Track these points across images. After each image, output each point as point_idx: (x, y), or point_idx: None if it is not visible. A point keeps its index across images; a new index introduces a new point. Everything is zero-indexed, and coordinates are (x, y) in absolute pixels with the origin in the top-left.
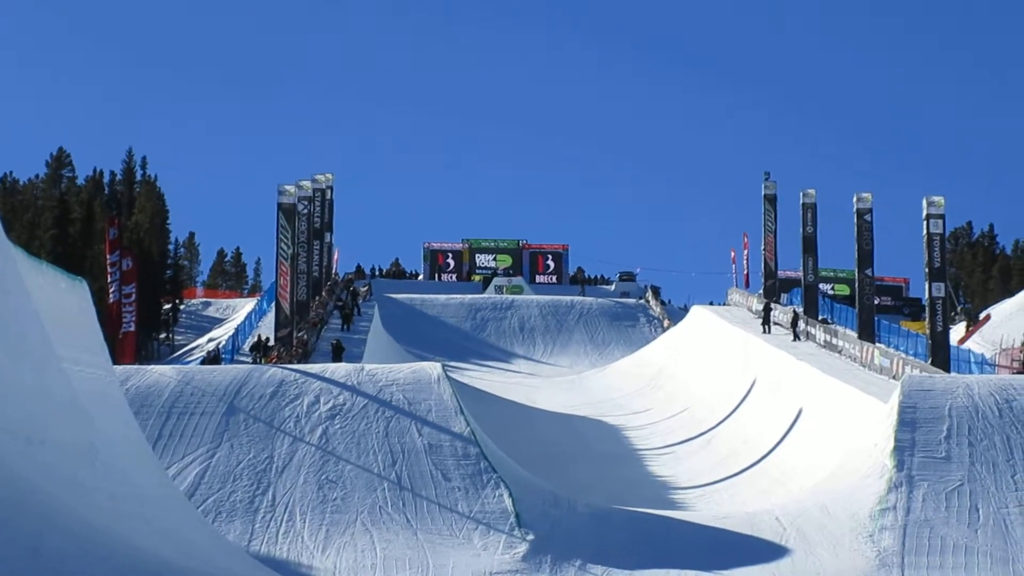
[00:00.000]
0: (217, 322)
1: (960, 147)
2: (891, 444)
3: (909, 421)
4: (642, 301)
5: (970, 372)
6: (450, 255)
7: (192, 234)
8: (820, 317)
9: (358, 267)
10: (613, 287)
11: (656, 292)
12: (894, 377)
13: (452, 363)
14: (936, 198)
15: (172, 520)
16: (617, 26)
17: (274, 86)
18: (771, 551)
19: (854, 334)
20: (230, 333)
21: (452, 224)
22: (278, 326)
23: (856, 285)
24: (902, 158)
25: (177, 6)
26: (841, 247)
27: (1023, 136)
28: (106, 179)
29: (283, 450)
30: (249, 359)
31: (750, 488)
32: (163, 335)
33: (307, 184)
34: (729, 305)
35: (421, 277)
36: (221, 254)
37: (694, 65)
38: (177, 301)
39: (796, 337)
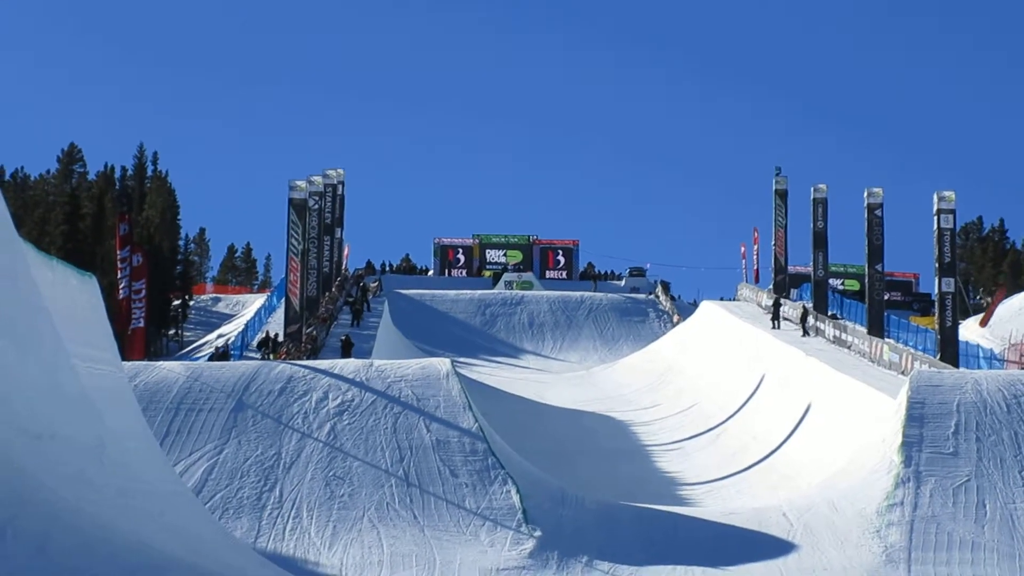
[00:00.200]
0: (227, 318)
1: (971, 142)
2: (899, 440)
3: (917, 417)
4: (652, 296)
5: (979, 367)
6: (460, 250)
7: (203, 230)
8: (830, 312)
9: (368, 263)
10: (623, 282)
11: (666, 287)
12: (903, 373)
13: (461, 359)
14: (947, 193)
15: (180, 516)
16: (628, 24)
17: (285, 82)
18: (778, 547)
19: (863, 329)
20: (239, 329)
21: (462, 219)
22: (288, 322)
23: (866, 280)
24: (913, 153)
25: (189, 3)
26: (851, 242)
27: None
28: (117, 175)
29: (291, 446)
30: (258, 355)
31: (758, 484)
32: (172, 331)
33: (318, 180)
34: (739, 300)
35: (431, 273)
36: (231, 250)
37: (705, 62)
38: (187, 297)
39: (805, 332)
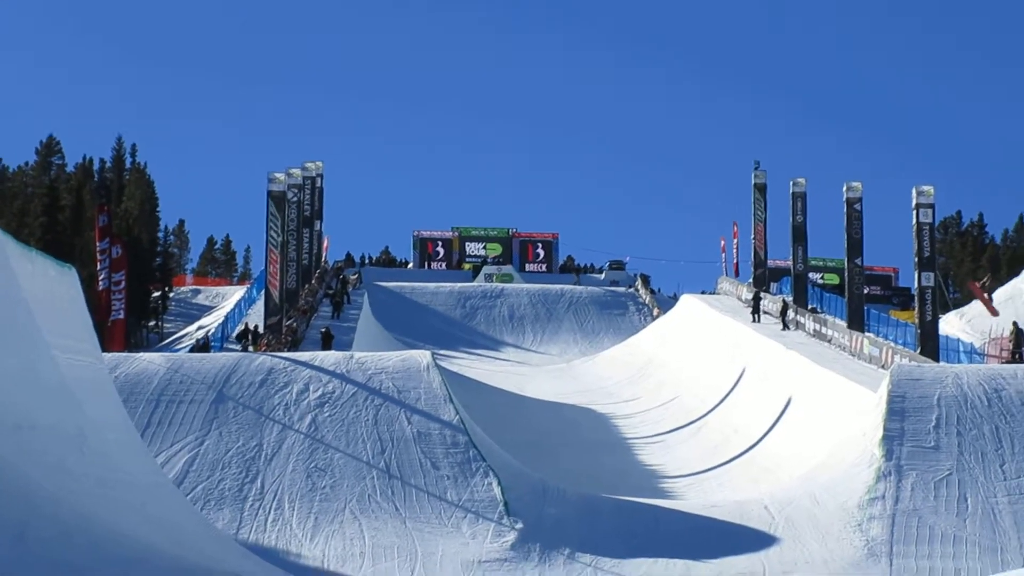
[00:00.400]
0: (206, 310)
1: (950, 137)
2: (880, 433)
3: (898, 410)
4: (632, 290)
5: (959, 361)
6: (440, 243)
7: (182, 222)
8: (809, 306)
9: (348, 255)
10: (603, 276)
11: (646, 281)
12: (883, 366)
13: (441, 351)
14: (926, 187)
15: (161, 507)
16: (605, 17)
17: (265, 74)
18: (760, 540)
19: (843, 323)
20: (219, 321)
21: (442, 212)
22: (268, 314)
23: (845, 274)
24: (892, 147)
25: None
26: (831, 236)
27: (1013, 126)
28: (96, 167)
29: (272, 438)
30: (238, 347)
31: (739, 477)
32: (152, 323)
33: (297, 172)
34: (719, 294)
35: (411, 265)
36: (211, 242)
37: (686, 55)
38: (167, 289)
39: (785, 326)
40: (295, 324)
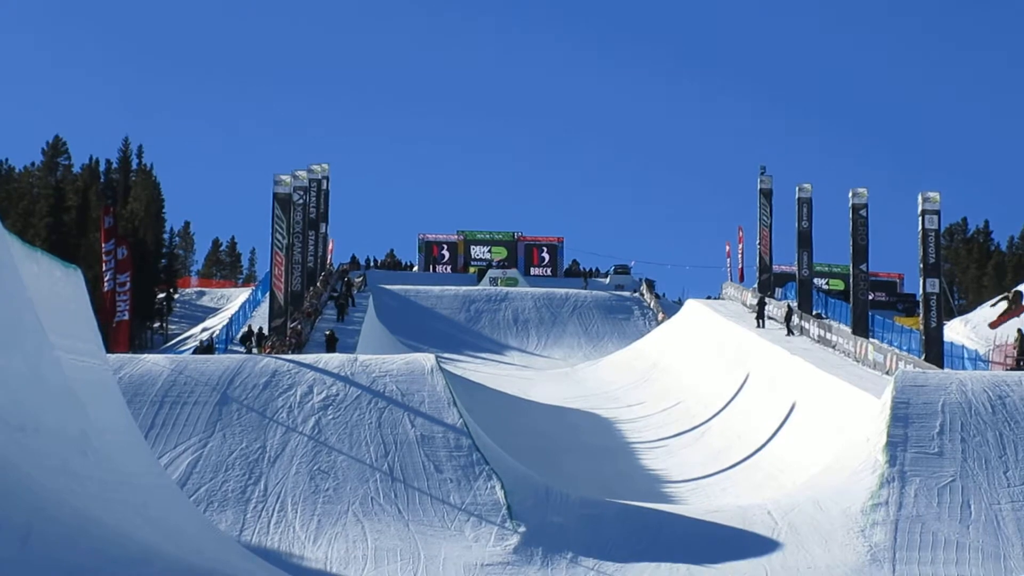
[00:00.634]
0: (211, 311)
1: (957, 143)
2: (884, 439)
3: (902, 417)
4: (636, 294)
5: (963, 368)
6: (445, 246)
7: (187, 223)
8: (814, 312)
9: (353, 258)
10: (608, 280)
11: (651, 285)
12: (887, 372)
13: (446, 355)
14: (932, 194)
15: (164, 509)
16: (613, 21)
17: (271, 76)
18: (763, 545)
19: (848, 329)
20: (224, 323)
21: (447, 216)
22: (272, 316)
23: (851, 280)
24: (898, 154)
25: None
26: (836, 242)
27: (1019, 133)
28: (102, 168)
29: (275, 440)
30: (242, 350)
31: (743, 482)
32: (157, 324)
33: (303, 174)
34: (723, 299)
35: (416, 268)
36: (216, 244)
37: (692, 61)
38: (172, 290)
39: (790, 332)
40: (299, 326)
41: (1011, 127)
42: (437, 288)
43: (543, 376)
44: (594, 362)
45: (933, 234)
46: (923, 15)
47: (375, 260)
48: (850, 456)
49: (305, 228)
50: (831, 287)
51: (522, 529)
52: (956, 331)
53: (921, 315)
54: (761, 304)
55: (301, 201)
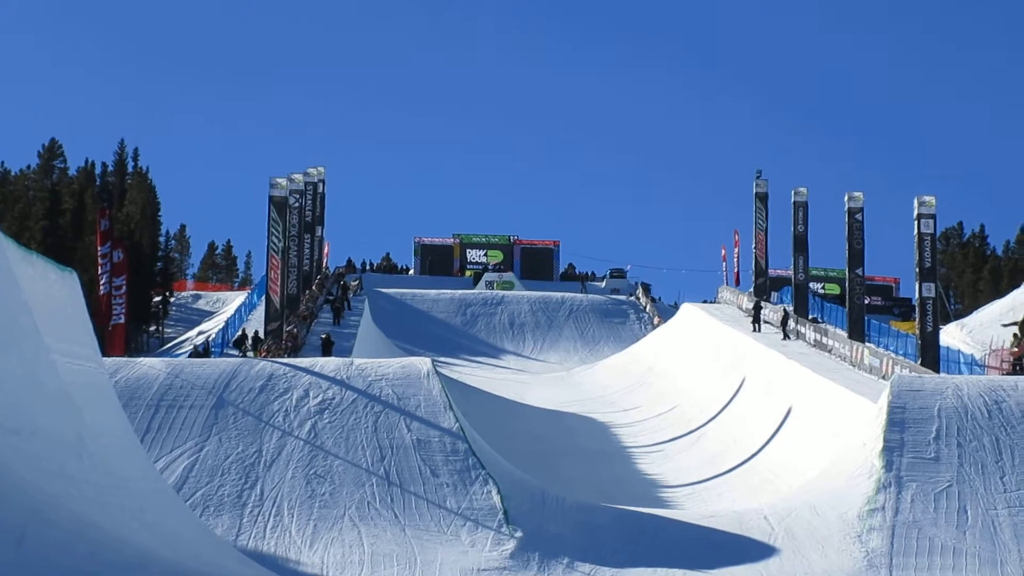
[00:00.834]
0: (207, 315)
1: (953, 147)
2: (880, 444)
3: (898, 421)
4: (632, 298)
5: (960, 373)
6: (441, 250)
7: (183, 226)
8: (810, 316)
9: (349, 261)
10: (603, 284)
11: (647, 289)
12: (884, 377)
13: (442, 358)
14: (927, 198)
15: (160, 513)
16: (610, 22)
17: (266, 79)
18: (759, 550)
19: (844, 333)
20: (220, 326)
21: (443, 219)
22: (268, 319)
23: (846, 284)
24: (894, 157)
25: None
26: (832, 246)
27: (1016, 137)
28: (98, 170)
29: (272, 444)
30: (237, 353)
31: (739, 487)
32: (153, 327)
33: (299, 177)
34: (719, 303)
35: (412, 272)
36: (212, 247)
37: (688, 63)
38: (167, 293)
39: (786, 336)
40: (295, 330)
41: (1008, 131)
42: (433, 292)
43: (539, 380)
44: (590, 366)
45: (929, 238)
46: (920, 17)
47: (371, 263)
48: (846, 461)
49: (301, 231)
50: (827, 291)
51: (518, 534)
52: (952, 335)
53: (917, 319)
54: (757, 308)
55: (297, 204)
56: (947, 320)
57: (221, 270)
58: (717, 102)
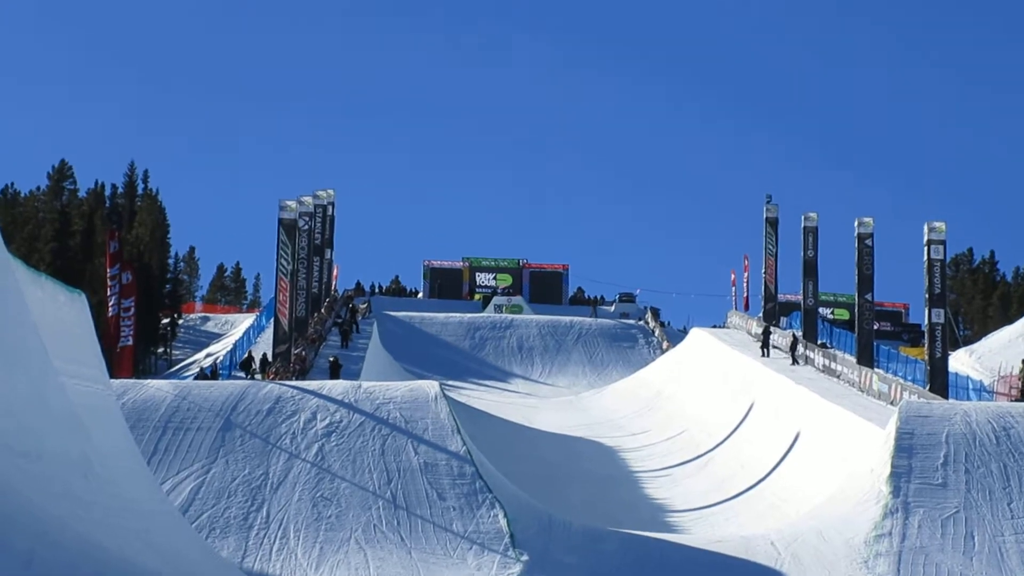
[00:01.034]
0: (215, 337)
1: (963, 173)
2: (888, 470)
3: (906, 447)
4: (641, 322)
5: (968, 399)
6: (450, 274)
7: (192, 249)
8: (819, 341)
9: (358, 284)
10: (612, 308)
11: (656, 314)
12: (892, 403)
13: (450, 382)
14: (938, 224)
15: (166, 535)
16: (622, 50)
17: (277, 102)
18: (766, 575)
19: (853, 359)
20: (228, 349)
21: (453, 243)
22: (276, 342)
23: (856, 310)
24: (904, 183)
25: (180, 22)
26: (842, 271)
27: None
28: (107, 192)
29: (278, 467)
30: (243, 376)
31: (746, 512)
32: (161, 349)
33: (308, 200)
34: (728, 328)
35: (421, 295)
36: (221, 269)
37: (699, 89)
38: (176, 315)
39: (795, 361)
40: (304, 353)
41: (1019, 158)
42: (442, 315)
43: (547, 404)
44: (599, 390)
45: (939, 264)
46: (931, 44)
47: (380, 286)
48: (854, 486)
49: (310, 254)
50: (836, 316)
51: (525, 558)
52: (961, 361)
53: (926, 345)
54: (766, 333)
55: (306, 227)
56: (956, 346)
57: (230, 292)
58: (728, 128)
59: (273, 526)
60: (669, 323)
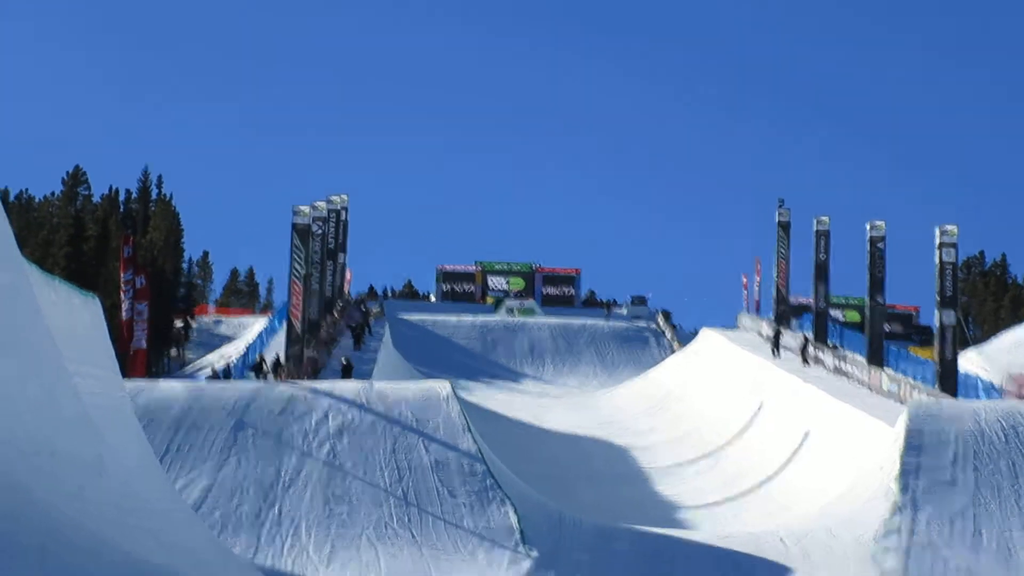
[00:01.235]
0: (228, 339)
1: (975, 176)
2: (897, 468)
3: (915, 445)
4: (653, 324)
5: (977, 398)
6: (463, 277)
7: (206, 253)
8: (830, 343)
9: (371, 288)
10: (625, 310)
11: (667, 316)
12: (901, 401)
13: (461, 382)
14: (949, 227)
15: (179, 534)
16: (633, 55)
17: (291, 107)
18: (775, 572)
19: (863, 359)
20: (240, 351)
21: (465, 246)
22: (289, 344)
23: (867, 311)
24: (916, 186)
25: (194, 27)
26: (852, 273)
27: None
28: (122, 197)
29: (290, 465)
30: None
31: (755, 509)
32: (175, 352)
33: (322, 205)
34: (739, 329)
35: (433, 298)
36: (235, 273)
37: (712, 94)
38: (189, 318)
39: (805, 362)
40: (316, 354)
41: None
42: (454, 318)
43: (558, 404)
44: (609, 390)
45: (951, 267)
46: (944, 46)
47: (393, 290)
48: (863, 484)
49: (323, 258)
50: (847, 319)
51: (535, 554)
52: (971, 361)
53: (936, 346)
54: (777, 334)
55: (320, 231)
56: (965, 345)
57: (243, 296)
58: (741, 130)
59: (285, 523)
60: (680, 325)
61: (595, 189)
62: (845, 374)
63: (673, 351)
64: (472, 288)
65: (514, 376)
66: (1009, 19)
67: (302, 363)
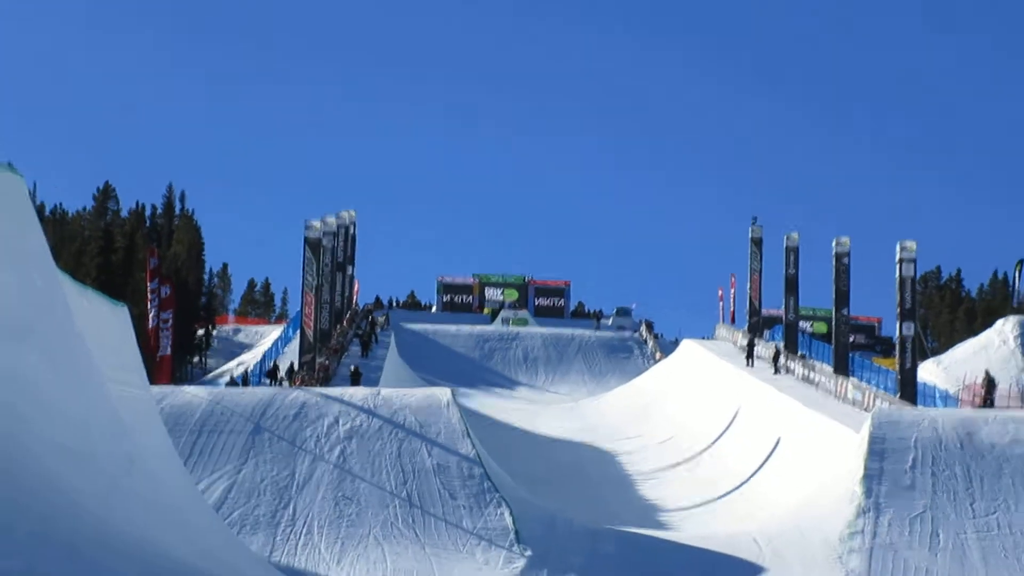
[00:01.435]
0: (246, 347)
1: (933, 197)
2: (861, 472)
3: (878, 451)
4: (637, 335)
5: (935, 406)
6: (462, 289)
7: (225, 265)
8: (799, 353)
9: (377, 298)
10: (610, 321)
11: (650, 326)
12: (866, 409)
13: (461, 389)
14: (909, 243)
15: (201, 531)
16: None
17: (303, 129)
18: (749, 570)
19: (830, 369)
20: (258, 358)
21: (464, 260)
22: (302, 352)
23: (833, 323)
24: (878, 204)
25: (211, 50)
26: (820, 287)
27: (992, 190)
28: (148, 212)
29: (304, 468)
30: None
31: (731, 511)
32: (196, 359)
33: (332, 220)
34: (717, 339)
35: (434, 308)
36: (251, 284)
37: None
38: (210, 327)
39: (776, 371)
40: (327, 362)
41: (984, 184)
42: (454, 327)
43: (550, 411)
44: (596, 398)
45: (910, 281)
46: (905, 70)
47: (397, 301)
48: (830, 488)
49: (333, 270)
50: (815, 330)
51: (528, 553)
52: (929, 371)
53: (897, 356)
54: (751, 345)
55: (330, 245)
56: (925, 356)
57: (260, 305)
58: (713, 160)
59: (299, 523)
60: (662, 335)
61: (584, 209)
62: (813, 383)
63: (655, 359)
64: (470, 299)
65: (509, 383)
66: (967, 48)
67: (314, 370)
